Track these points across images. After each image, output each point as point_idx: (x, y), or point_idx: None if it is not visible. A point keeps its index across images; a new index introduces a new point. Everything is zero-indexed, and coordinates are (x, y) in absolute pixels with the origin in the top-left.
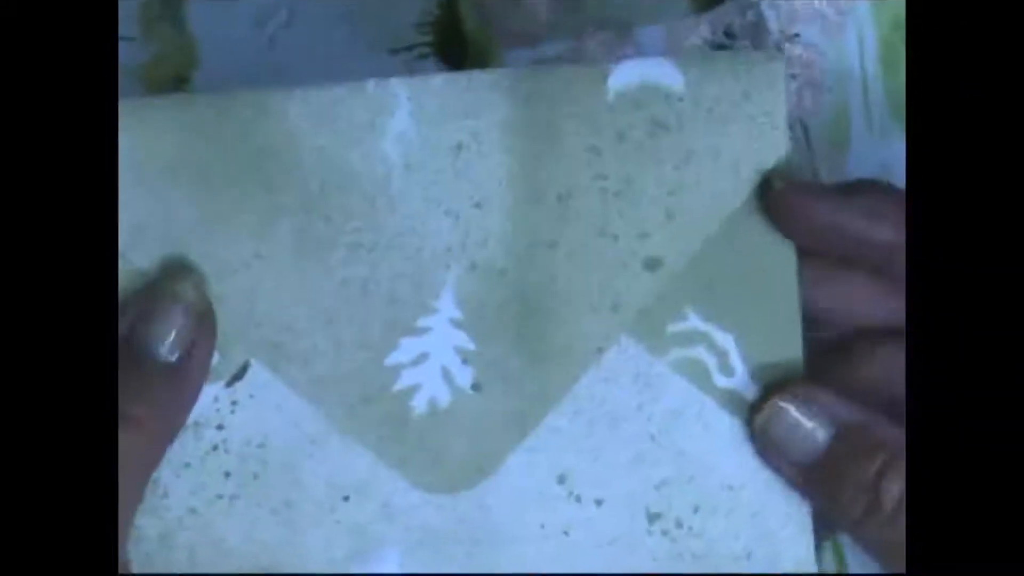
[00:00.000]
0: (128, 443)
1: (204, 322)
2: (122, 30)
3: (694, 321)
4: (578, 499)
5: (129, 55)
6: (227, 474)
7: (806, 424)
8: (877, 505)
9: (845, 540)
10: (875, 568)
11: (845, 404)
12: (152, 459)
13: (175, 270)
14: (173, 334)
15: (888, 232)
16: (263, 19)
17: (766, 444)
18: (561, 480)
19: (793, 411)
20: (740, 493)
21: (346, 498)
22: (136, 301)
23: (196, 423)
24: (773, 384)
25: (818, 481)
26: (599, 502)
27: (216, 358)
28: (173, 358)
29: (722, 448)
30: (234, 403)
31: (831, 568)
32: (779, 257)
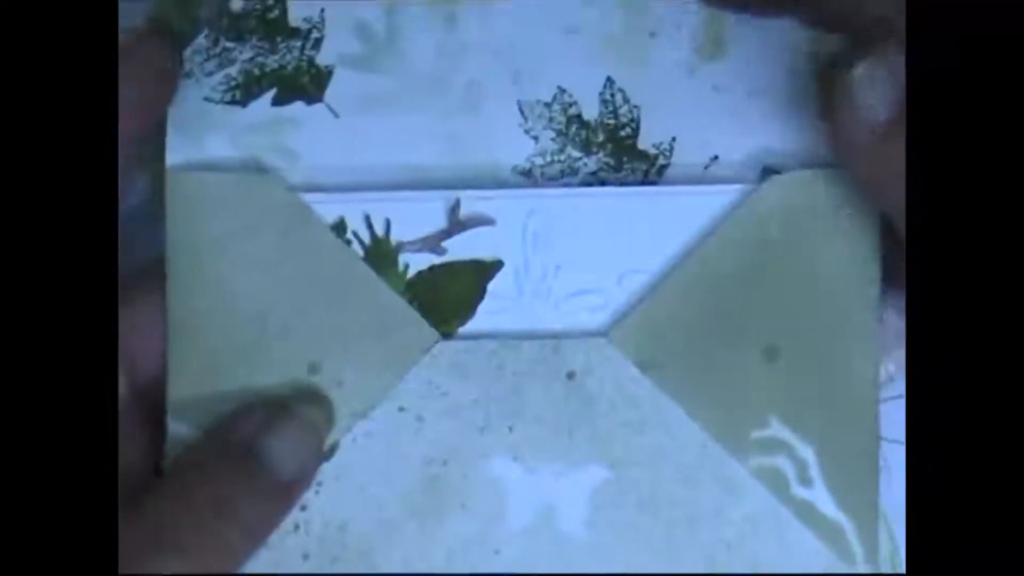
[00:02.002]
0: (225, 534)
1: (319, 447)
2: None
3: (776, 429)
4: None
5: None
6: (306, 556)
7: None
8: None
9: None
10: None
11: None
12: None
13: (307, 392)
14: (292, 456)
15: None
16: None
17: (853, 108)
18: None
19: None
20: None
21: None
22: (263, 407)
23: None
24: (848, 499)
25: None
26: None
27: None
28: (286, 478)
29: (794, 560)
30: (319, 484)
31: None
32: (860, 368)
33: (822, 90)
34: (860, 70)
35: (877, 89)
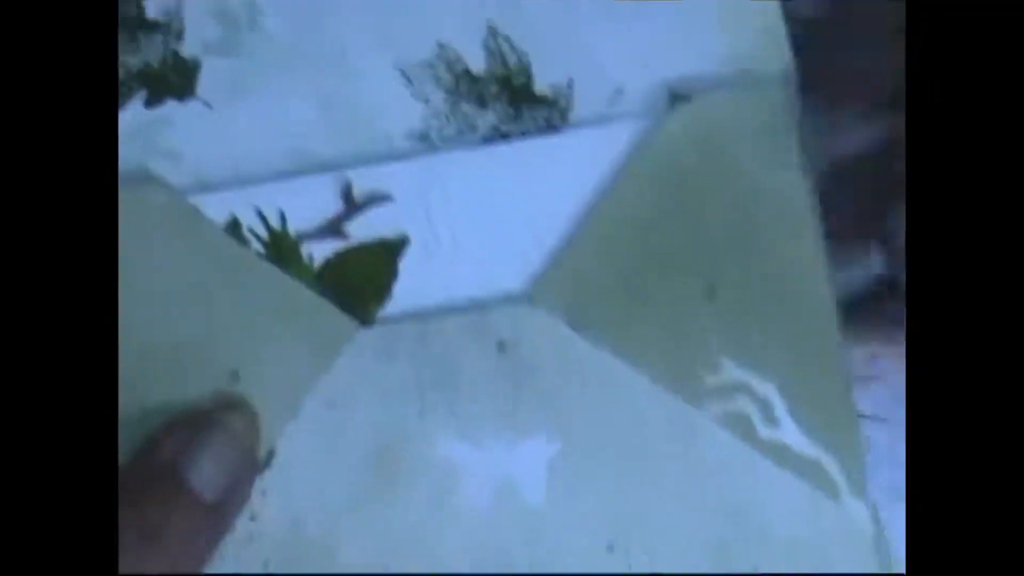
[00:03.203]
0: (152, 562)
1: (249, 458)
2: None
3: (730, 370)
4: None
5: None
6: (266, 564)
7: None
8: None
9: None
10: None
11: None
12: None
13: (229, 400)
14: (218, 473)
15: None
16: None
17: None
18: (611, 549)
19: None
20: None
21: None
22: (184, 425)
23: None
24: (824, 436)
25: None
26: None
27: None
28: (212, 497)
29: (775, 499)
30: (263, 493)
31: None
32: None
33: None
34: None
35: None
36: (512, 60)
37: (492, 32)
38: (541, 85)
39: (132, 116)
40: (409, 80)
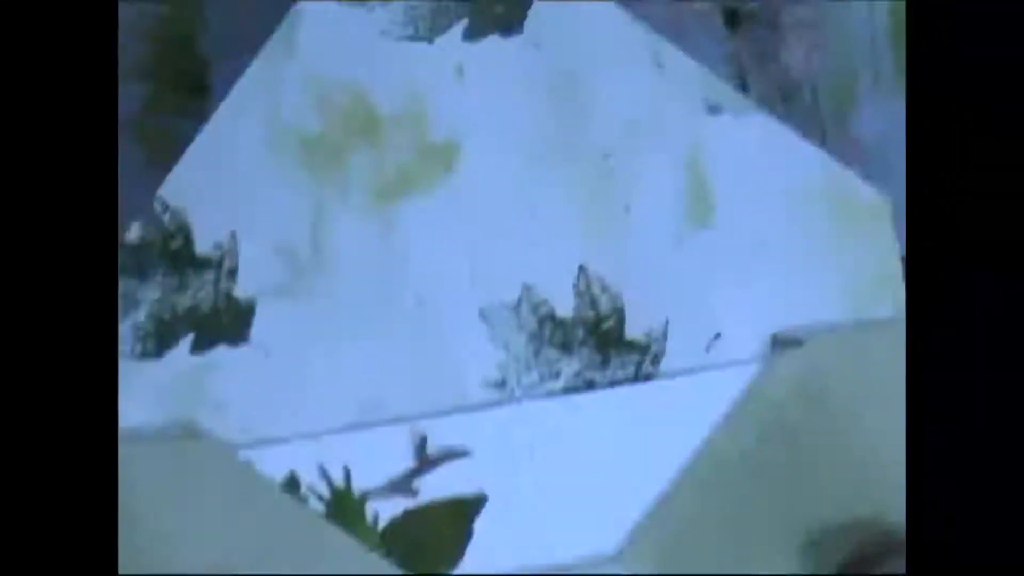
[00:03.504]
0: None
1: None
2: None
3: None
4: None
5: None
6: None
7: None
8: None
9: None
10: None
11: None
12: None
13: None
14: None
15: None
16: None
17: None
18: None
19: None
20: None
21: None
22: None
23: None
24: None
25: None
26: None
27: None
28: None
29: None
30: None
31: None
32: None
33: None
34: None
35: None
36: (603, 303)
37: (583, 272)
38: (633, 329)
39: (177, 361)
40: (490, 324)
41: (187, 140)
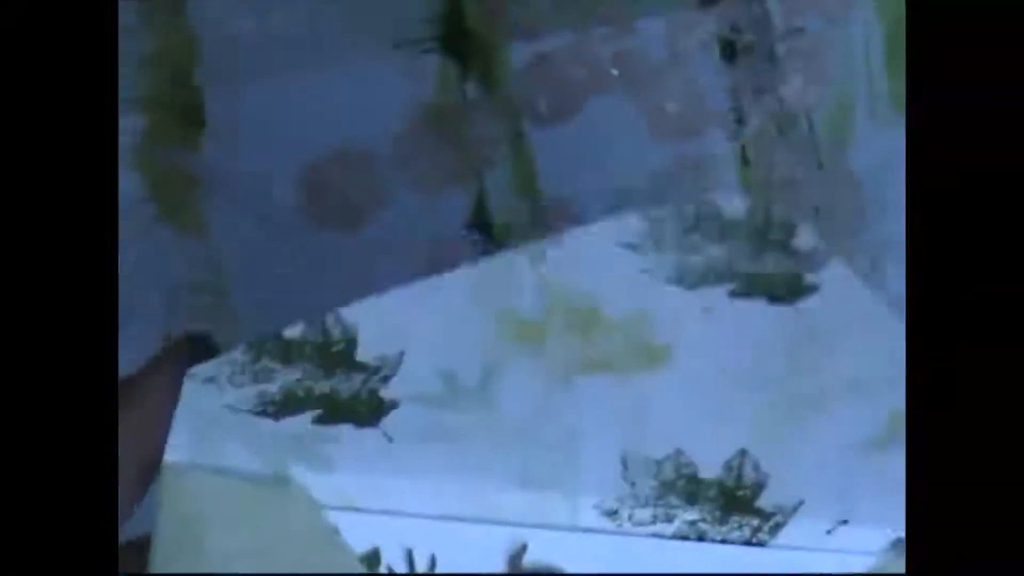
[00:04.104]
0: None
1: None
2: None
3: None
4: None
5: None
6: None
7: None
8: None
9: None
10: None
11: None
12: None
13: None
14: None
15: None
16: (264, 12)
17: None
18: None
19: None
20: None
21: None
22: None
23: None
24: None
25: None
26: None
27: None
28: None
29: None
30: None
31: None
32: None
33: None
34: None
35: None
36: (747, 477)
37: (742, 454)
38: (764, 502)
39: (296, 426)
40: (626, 466)
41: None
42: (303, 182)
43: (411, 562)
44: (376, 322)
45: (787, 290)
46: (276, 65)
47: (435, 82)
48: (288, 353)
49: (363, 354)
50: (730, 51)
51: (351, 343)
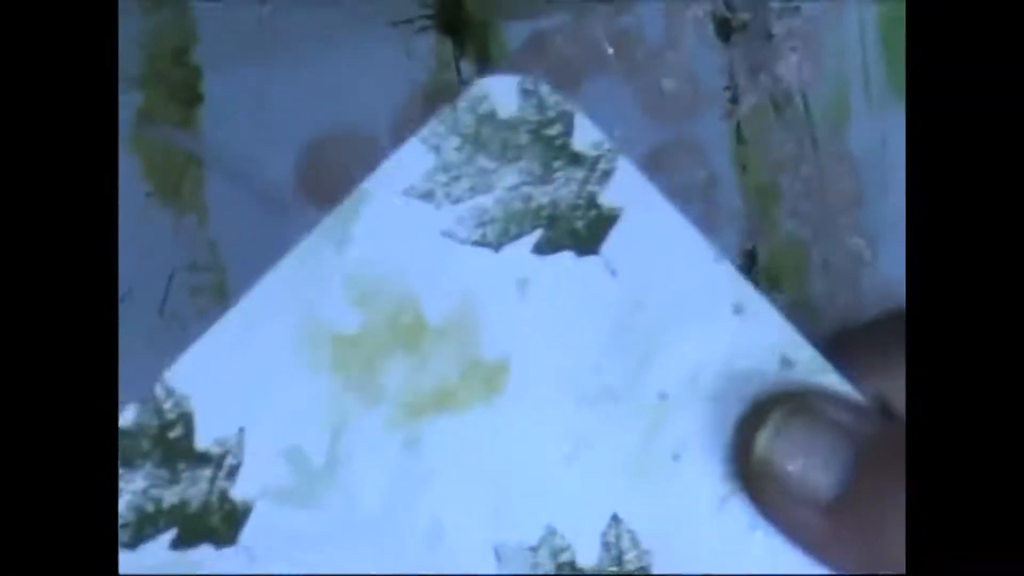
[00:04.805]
0: None
1: None
2: None
3: None
4: None
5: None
6: None
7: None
8: None
9: None
10: None
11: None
12: None
13: None
14: None
15: None
16: None
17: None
18: None
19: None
20: None
21: None
22: None
23: None
24: None
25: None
26: None
27: None
28: None
29: None
30: None
31: None
32: None
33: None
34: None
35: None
36: (629, 559)
37: (616, 524)
38: None
39: (153, 555)
40: (503, 563)
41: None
42: (300, 161)
43: None
44: (209, 390)
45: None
46: (273, 44)
47: (431, 62)
48: (126, 453)
49: (202, 439)
50: (726, 30)
51: (187, 423)
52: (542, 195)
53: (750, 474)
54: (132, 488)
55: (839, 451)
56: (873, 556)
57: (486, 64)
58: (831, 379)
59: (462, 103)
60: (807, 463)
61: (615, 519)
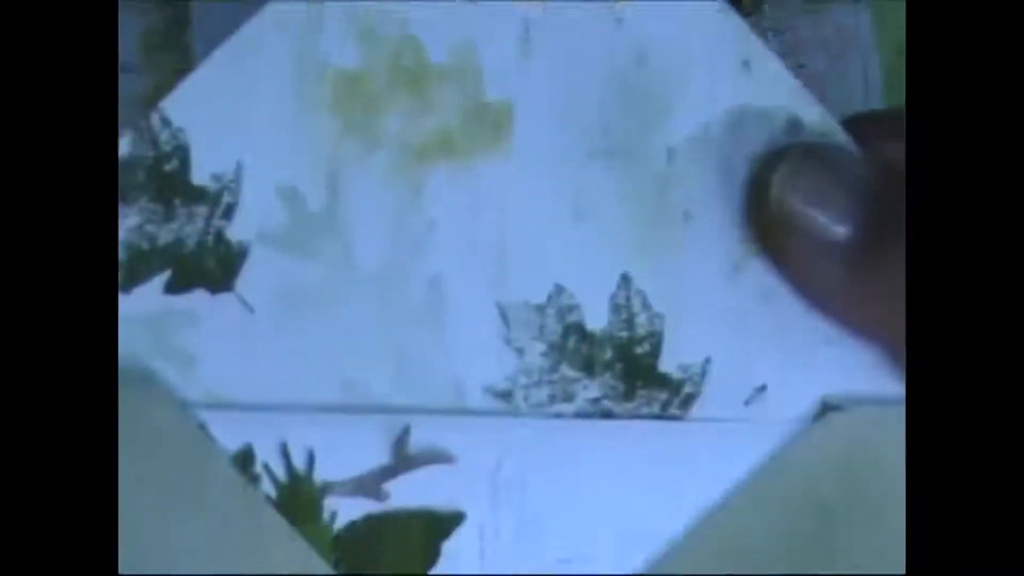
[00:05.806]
0: None
1: None
2: None
3: None
4: None
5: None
6: None
7: None
8: None
9: None
10: None
11: None
12: None
13: None
14: None
15: None
16: None
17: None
18: None
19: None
20: None
21: None
22: None
23: None
24: None
25: None
26: None
27: None
28: None
29: None
30: None
31: None
32: None
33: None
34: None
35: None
36: (641, 322)
37: (625, 282)
38: (668, 360)
39: (147, 300)
40: (508, 323)
41: None
42: None
43: (288, 459)
44: (206, 123)
45: None
46: None
47: None
48: (123, 182)
49: (198, 174)
50: None
51: (183, 157)
52: None
53: (766, 220)
54: (127, 224)
55: (853, 194)
56: (884, 314)
57: None
58: (840, 139)
59: None
60: (823, 202)
61: (624, 278)
